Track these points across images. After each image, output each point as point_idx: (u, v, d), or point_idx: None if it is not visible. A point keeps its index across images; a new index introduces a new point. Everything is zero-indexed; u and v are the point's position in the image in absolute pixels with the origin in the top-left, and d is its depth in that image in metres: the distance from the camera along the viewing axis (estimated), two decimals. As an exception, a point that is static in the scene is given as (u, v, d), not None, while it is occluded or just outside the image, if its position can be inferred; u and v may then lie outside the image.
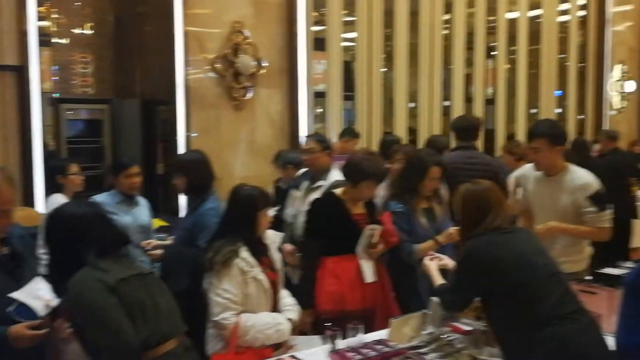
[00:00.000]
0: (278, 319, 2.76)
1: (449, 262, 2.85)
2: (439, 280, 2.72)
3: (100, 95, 7.65)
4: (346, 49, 6.79)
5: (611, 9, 8.89)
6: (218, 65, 5.57)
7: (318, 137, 3.98)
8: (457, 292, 2.53)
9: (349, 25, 6.73)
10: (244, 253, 2.71)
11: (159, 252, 3.38)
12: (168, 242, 3.60)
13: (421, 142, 6.99)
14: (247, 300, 2.70)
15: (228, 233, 2.77)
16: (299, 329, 2.99)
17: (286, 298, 2.92)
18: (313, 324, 3.09)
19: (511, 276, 2.33)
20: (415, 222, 3.38)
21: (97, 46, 7.62)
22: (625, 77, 9.11)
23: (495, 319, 2.42)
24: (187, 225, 3.32)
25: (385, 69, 7.25)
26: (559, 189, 3.33)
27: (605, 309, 2.89)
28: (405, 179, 3.50)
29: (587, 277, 3.47)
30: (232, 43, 5.62)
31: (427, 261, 2.88)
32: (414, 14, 7.07)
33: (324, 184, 3.66)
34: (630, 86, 9.12)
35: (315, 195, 3.59)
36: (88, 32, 7.57)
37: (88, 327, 2.07)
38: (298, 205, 3.78)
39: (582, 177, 3.35)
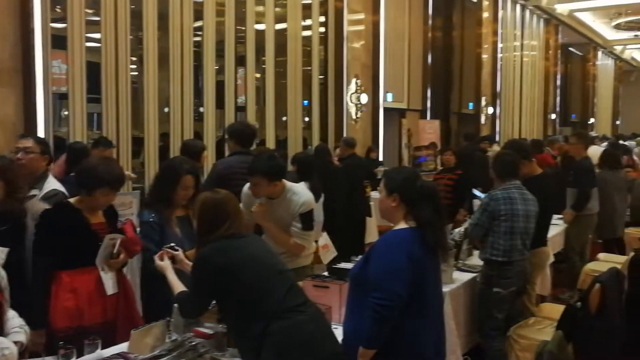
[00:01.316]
0: (3, 343, 2.49)
1: (182, 257, 2.90)
2: (176, 284, 2.75)
3: None
4: (91, 49, 6.42)
5: (347, 28, 9.81)
6: None
7: (38, 138, 3.64)
8: (193, 298, 2.58)
9: (94, 25, 6.38)
10: (-41, 273, 2.39)
11: None
12: None
13: (175, 148, 6.95)
14: (-36, 326, 2.39)
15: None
16: (29, 351, 2.74)
17: (14, 319, 2.65)
18: (47, 344, 2.86)
19: (242, 277, 2.45)
20: (169, 231, 3.32)
21: None
22: (360, 90, 10.12)
23: (231, 320, 2.52)
24: None
25: (136, 73, 7.04)
26: (283, 209, 3.62)
27: (336, 302, 3.18)
28: (157, 188, 3.42)
29: (324, 273, 3.79)
30: (-50, 35, 4.96)
31: (160, 262, 2.88)
32: (163, 18, 6.98)
33: (37, 193, 3.32)
34: (364, 98, 10.16)
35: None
36: None
37: None
38: None
39: (302, 195, 3.66)
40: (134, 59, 6.84)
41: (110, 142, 5.28)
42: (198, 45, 7.50)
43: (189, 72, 7.30)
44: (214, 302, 2.64)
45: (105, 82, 6.33)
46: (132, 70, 6.77)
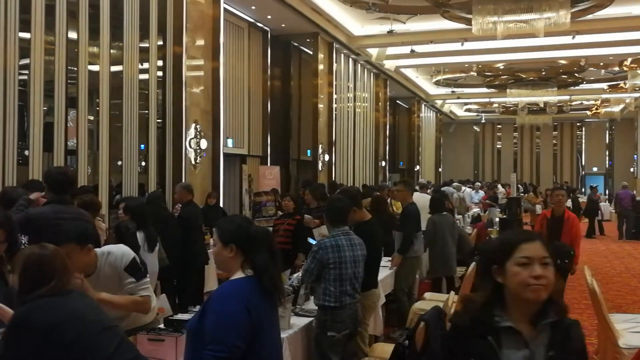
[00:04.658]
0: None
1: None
2: None
3: None
4: None
5: (186, 73, 9.78)
6: None
7: None
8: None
9: None
10: None
11: None
12: None
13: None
14: None
15: None
16: None
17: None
18: None
19: (63, 336, 2.31)
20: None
21: None
22: (199, 135, 10.07)
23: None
24: None
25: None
26: (107, 275, 3.36)
27: (172, 355, 3.09)
28: None
29: (159, 325, 3.66)
30: None
31: None
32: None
33: None
34: (204, 144, 10.12)
35: None
36: None
37: None
38: None
39: (116, 250, 3.43)
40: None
41: None
42: (24, 85, 7.03)
43: (13, 112, 6.80)
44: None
45: None
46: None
